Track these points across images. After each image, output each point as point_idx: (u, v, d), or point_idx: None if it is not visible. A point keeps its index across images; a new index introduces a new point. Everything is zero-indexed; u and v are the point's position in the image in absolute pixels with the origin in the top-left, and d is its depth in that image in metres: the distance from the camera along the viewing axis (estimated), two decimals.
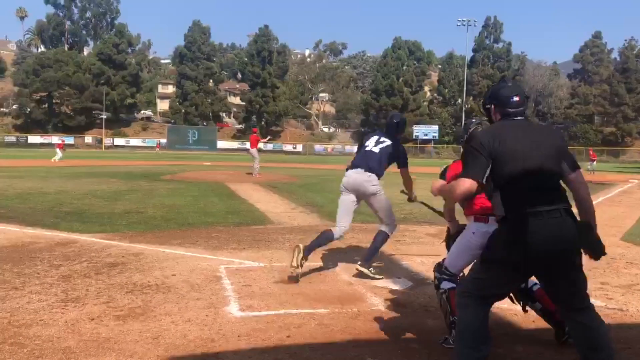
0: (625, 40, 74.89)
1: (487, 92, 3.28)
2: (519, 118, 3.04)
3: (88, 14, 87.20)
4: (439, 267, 3.92)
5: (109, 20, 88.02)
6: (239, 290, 4.83)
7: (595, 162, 36.05)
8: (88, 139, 73.62)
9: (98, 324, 3.87)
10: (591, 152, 39.32)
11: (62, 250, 6.31)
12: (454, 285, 3.75)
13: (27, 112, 77.48)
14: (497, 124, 3.11)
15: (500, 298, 3.20)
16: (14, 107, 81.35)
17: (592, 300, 4.70)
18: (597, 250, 2.89)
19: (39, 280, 4.99)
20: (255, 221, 9.24)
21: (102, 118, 74.55)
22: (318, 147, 78.47)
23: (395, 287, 5.10)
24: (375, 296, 4.76)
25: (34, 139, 70.21)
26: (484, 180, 2.91)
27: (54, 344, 3.48)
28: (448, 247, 4.16)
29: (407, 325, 4.05)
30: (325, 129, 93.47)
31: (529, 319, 4.25)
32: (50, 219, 8.82)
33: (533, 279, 3.16)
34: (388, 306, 4.50)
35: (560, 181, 2.99)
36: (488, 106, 3.19)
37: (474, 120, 4.06)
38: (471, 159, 2.94)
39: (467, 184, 2.88)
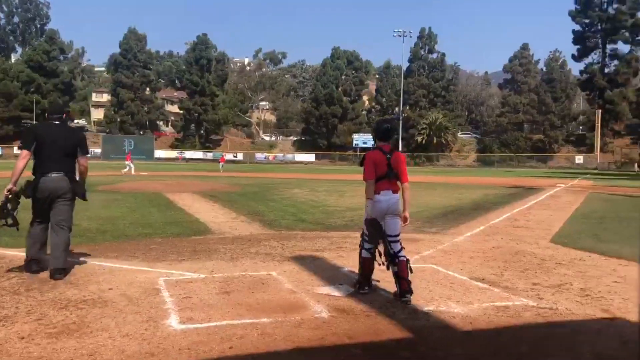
0: (550, 52, 78.97)
1: None
2: (54, 122, 5.71)
3: (15, 19, 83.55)
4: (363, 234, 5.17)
5: (39, 26, 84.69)
6: (179, 303, 4.73)
7: (132, 163, 32.30)
8: (17, 149, 70.25)
9: (29, 343, 3.69)
10: (128, 155, 33.83)
11: None
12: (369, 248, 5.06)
13: None
14: (43, 123, 6.24)
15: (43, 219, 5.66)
16: None
17: (525, 300, 4.96)
18: (81, 195, 5.75)
19: None
20: (195, 232, 9.09)
21: None
22: (259, 155, 78.24)
23: (338, 293, 5.13)
24: (318, 304, 4.78)
25: None
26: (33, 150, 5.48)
27: None
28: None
29: (350, 332, 4.08)
30: (266, 138, 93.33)
31: (467, 321, 4.39)
32: None
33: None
34: (331, 313, 4.52)
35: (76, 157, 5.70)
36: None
37: (385, 117, 5.21)
38: (25, 137, 5.65)
39: (24, 153, 5.49)
